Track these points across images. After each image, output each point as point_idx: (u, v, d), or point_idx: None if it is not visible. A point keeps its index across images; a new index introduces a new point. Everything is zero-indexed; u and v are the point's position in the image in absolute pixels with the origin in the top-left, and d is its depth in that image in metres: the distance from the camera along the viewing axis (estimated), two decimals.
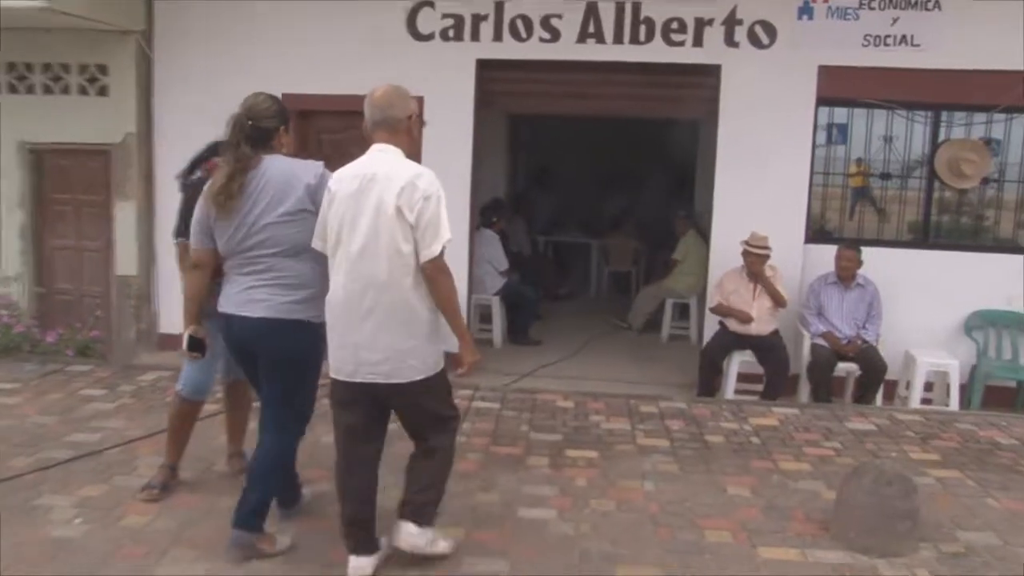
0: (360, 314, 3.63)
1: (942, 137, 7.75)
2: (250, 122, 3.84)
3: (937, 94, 7.50)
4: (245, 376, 4.25)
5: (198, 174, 4.37)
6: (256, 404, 4.28)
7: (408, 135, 3.75)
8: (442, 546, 4.04)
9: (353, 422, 3.78)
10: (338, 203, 3.66)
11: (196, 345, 4.13)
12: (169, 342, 8.08)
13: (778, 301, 7.24)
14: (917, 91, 7.47)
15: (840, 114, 7.83)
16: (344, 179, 3.69)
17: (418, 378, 3.68)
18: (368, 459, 3.84)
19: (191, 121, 7.29)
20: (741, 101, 7.61)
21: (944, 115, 7.71)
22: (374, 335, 3.62)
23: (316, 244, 3.78)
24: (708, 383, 7.52)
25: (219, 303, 3.95)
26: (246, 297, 3.87)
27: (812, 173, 7.78)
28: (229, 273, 3.95)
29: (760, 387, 7.36)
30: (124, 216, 8.40)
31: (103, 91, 8.30)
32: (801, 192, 7.73)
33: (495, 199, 9.67)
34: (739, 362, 7.47)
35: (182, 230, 4.35)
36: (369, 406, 3.76)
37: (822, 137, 7.77)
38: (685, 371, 8.27)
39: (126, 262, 8.46)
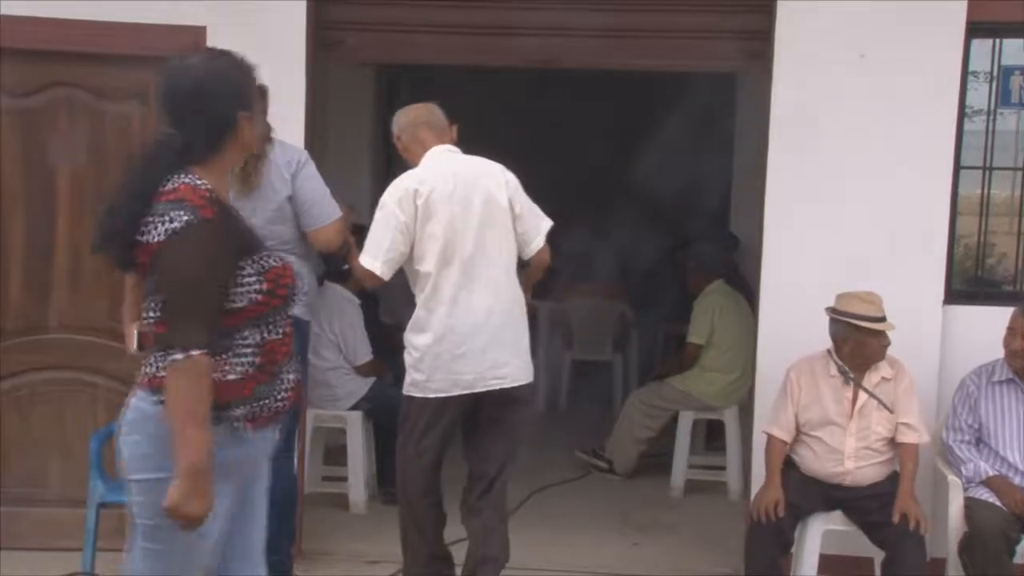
0: (481, 316, 4.03)
1: None
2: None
3: None
4: None
5: None
6: None
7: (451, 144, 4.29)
8: None
9: (439, 446, 4.16)
10: (437, 207, 3.97)
11: None
12: None
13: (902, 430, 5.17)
14: None
15: (1016, 50, 5.37)
16: (430, 179, 4.00)
17: (530, 380, 4.28)
18: (439, 486, 4.26)
19: None
20: (812, 35, 5.37)
21: None
22: (496, 335, 4.06)
23: (377, 268, 4.03)
24: (767, 572, 5.20)
25: None
26: None
27: (958, 168, 5.41)
28: None
29: None
30: None
31: None
32: (936, 205, 5.41)
33: (355, 227, 6.25)
34: (824, 534, 5.16)
35: None
36: (454, 427, 4.21)
37: (979, 97, 5.52)
38: (720, 550, 5.99)
39: None
